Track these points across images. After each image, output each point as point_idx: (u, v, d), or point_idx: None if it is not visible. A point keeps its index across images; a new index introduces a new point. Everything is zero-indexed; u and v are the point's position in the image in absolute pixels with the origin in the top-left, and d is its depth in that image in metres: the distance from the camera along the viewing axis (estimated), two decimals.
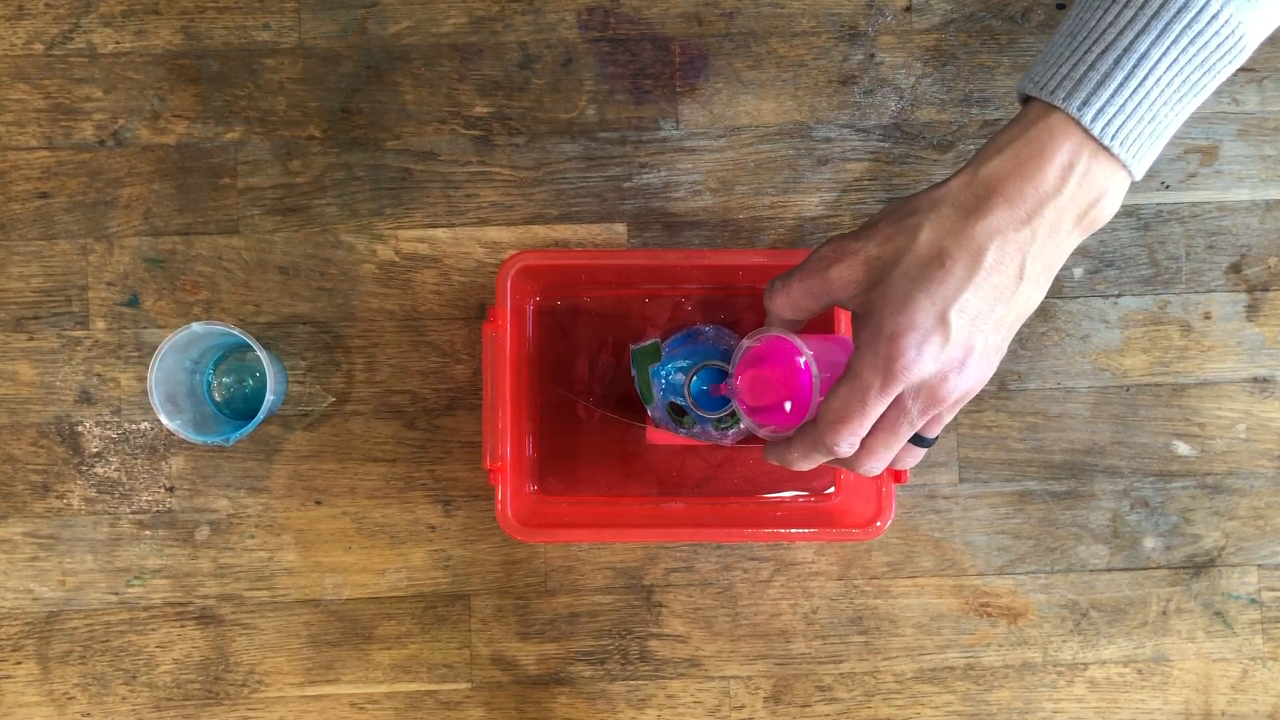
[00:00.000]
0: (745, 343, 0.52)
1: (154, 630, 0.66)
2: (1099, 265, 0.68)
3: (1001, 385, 0.68)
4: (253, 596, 0.67)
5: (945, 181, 0.45)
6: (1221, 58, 0.42)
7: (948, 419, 0.48)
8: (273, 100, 0.67)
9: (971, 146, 0.68)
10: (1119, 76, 0.42)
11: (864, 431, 0.46)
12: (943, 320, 0.44)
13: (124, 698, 0.66)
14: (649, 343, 0.63)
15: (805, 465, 0.49)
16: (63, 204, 0.67)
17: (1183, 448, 0.68)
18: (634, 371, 0.64)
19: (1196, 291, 0.68)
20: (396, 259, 0.67)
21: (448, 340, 0.67)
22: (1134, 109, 0.42)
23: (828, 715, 0.67)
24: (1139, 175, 0.44)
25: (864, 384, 0.45)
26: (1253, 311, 0.68)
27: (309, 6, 0.68)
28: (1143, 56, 0.42)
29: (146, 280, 0.67)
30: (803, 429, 0.49)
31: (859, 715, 0.67)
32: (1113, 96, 0.42)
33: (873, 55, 0.68)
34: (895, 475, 0.60)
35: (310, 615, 0.67)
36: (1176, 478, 0.68)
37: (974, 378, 0.45)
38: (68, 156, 0.67)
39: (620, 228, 0.68)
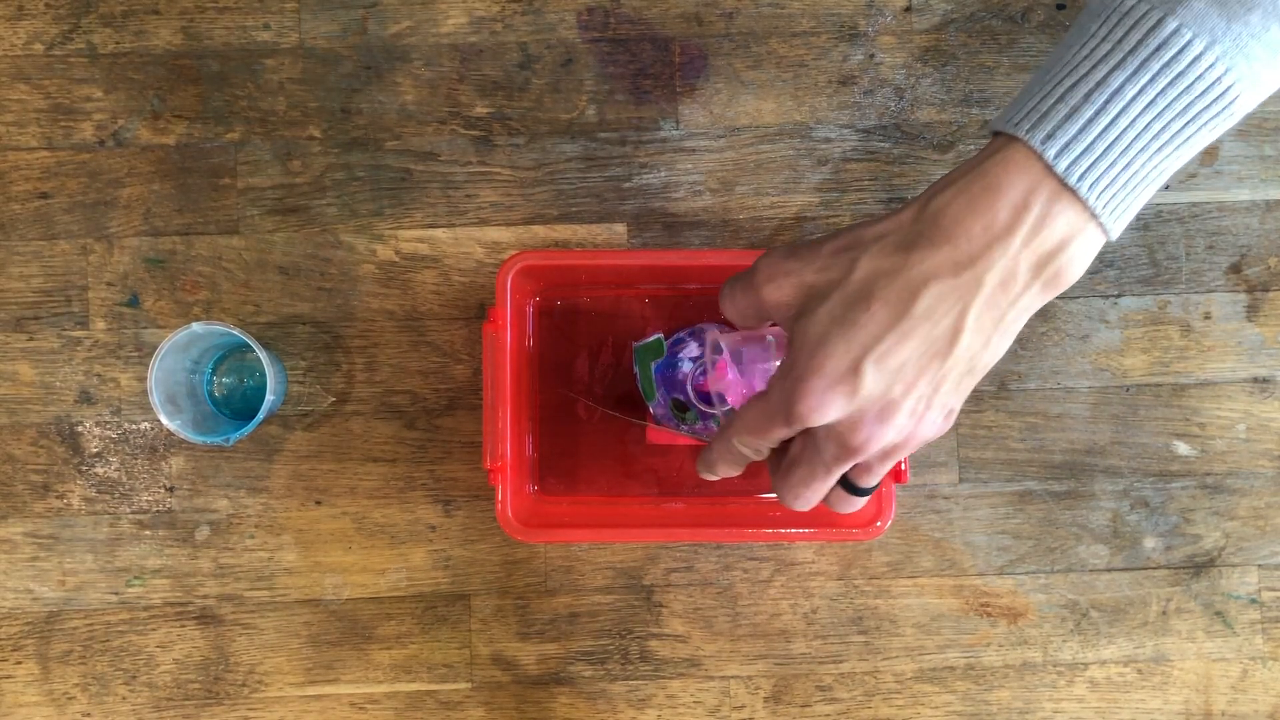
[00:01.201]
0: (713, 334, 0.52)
1: (154, 630, 0.66)
2: (1099, 265, 0.68)
3: (1001, 385, 0.68)
4: (253, 596, 0.67)
5: (891, 214, 0.41)
6: (1207, 108, 0.37)
7: (880, 470, 0.44)
8: (273, 100, 0.67)
9: (972, 147, 0.68)
10: (1088, 111, 0.37)
11: (763, 446, 0.44)
12: (854, 370, 0.40)
13: (124, 698, 0.66)
14: (652, 339, 0.63)
15: (714, 473, 0.48)
16: (63, 204, 0.67)
17: (1183, 448, 0.68)
18: (636, 368, 0.64)
19: (1196, 291, 0.68)
20: (396, 259, 0.67)
21: (448, 340, 0.67)
22: (1104, 149, 0.37)
23: (828, 715, 0.67)
24: (1114, 231, 0.39)
25: (769, 411, 0.42)
26: (1253, 311, 0.68)
27: (309, 6, 0.68)
28: (1116, 92, 0.37)
29: (146, 280, 0.67)
30: (716, 436, 0.47)
31: (859, 715, 0.67)
32: (1080, 133, 0.37)
33: (873, 55, 0.68)
34: (895, 475, 0.60)
35: (310, 615, 0.67)
36: (1176, 478, 0.68)
37: (901, 432, 0.41)
38: (68, 156, 0.67)
39: (620, 228, 0.68)
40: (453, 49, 0.68)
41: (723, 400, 0.55)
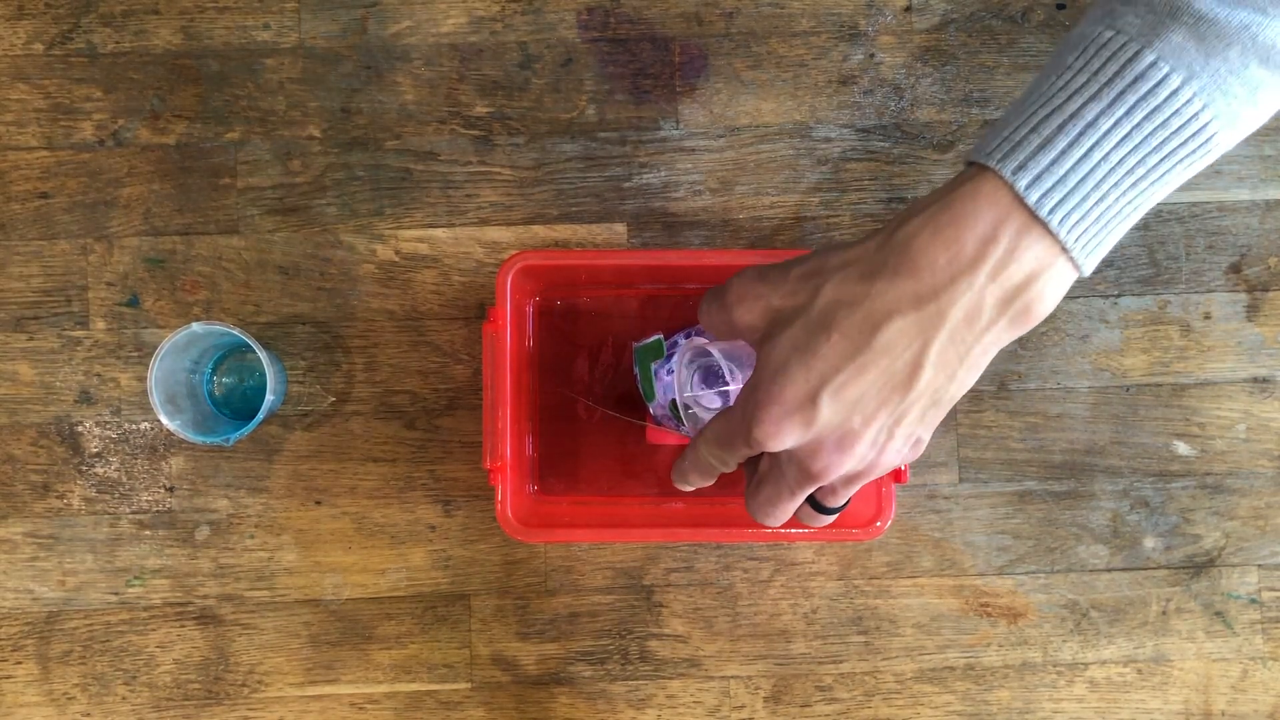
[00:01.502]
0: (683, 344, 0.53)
1: (154, 630, 0.66)
2: (1099, 265, 0.68)
3: (1001, 385, 0.68)
4: (253, 596, 0.67)
5: (864, 239, 0.40)
6: (1183, 144, 0.36)
7: (845, 493, 0.44)
8: (273, 100, 0.67)
9: (972, 146, 0.68)
10: (1061, 143, 0.36)
11: (730, 460, 0.44)
12: (811, 400, 0.39)
13: (124, 698, 0.66)
14: (652, 339, 0.63)
15: (686, 482, 0.48)
16: (63, 204, 0.67)
17: (1183, 448, 0.68)
18: (636, 369, 0.64)
19: (1196, 291, 0.68)
20: (396, 259, 0.67)
21: (448, 340, 0.67)
22: (1077, 182, 0.36)
23: (828, 715, 0.67)
24: (1086, 267, 0.37)
25: (731, 430, 0.42)
26: (1253, 311, 0.68)
27: (309, 6, 0.68)
28: (1090, 125, 0.36)
29: (146, 280, 0.67)
30: (689, 446, 0.47)
31: (859, 715, 0.67)
32: (1053, 164, 0.36)
33: (873, 55, 0.68)
34: (895, 475, 0.60)
35: (310, 615, 0.67)
36: (1176, 478, 0.68)
37: (862, 461, 0.41)
38: (68, 156, 0.67)
39: (620, 228, 0.68)
40: (453, 49, 0.68)
41: (690, 409, 0.55)
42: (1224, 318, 0.68)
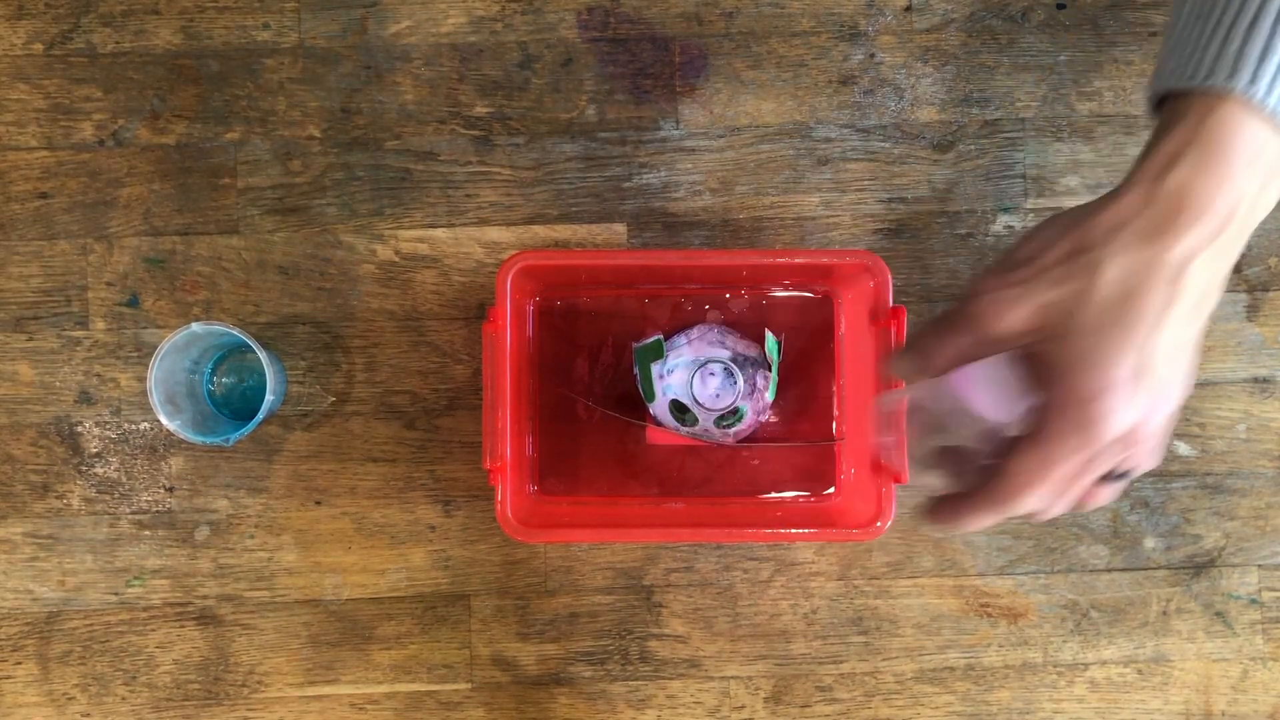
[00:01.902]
0: (887, 401, 0.48)
1: (154, 630, 0.66)
2: None
3: None
4: (253, 597, 0.66)
5: (1113, 200, 0.39)
6: None
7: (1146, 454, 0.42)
8: (273, 100, 0.67)
9: (972, 146, 0.68)
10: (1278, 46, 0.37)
11: (1050, 494, 0.41)
12: (1141, 369, 0.38)
13: (124, 698, 0.66)
14: (652, 340, 0.63)
15: (977, 526, 0.43)
16: (63, 204, 0.67)
17: (1183, 448, 0.68)
18: (636, 369, 0.64)
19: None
20: (396, 259, 0.67)
21: (448, 340, 0.67)
22: None
23: (828, 715, 0.67)
24: None
25: (1055, 451, 0.39)
26: (1253, 311, 0.68)
27: (309, 6, 0.68)
28: None
29: (146, 280, 0.67)
30: (978, 490, 0.42)
31: (859, 715, 0.67)
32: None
33: (873, 55, 0.68)
34: (895, 475, 0.60)
35: (310, 615, 0.67)
36: (1176, 478, 0.68)
37: (1173, 404, 0.40)
38: (68, 156, 0.67)
39: (620, 228, 0.68)
40: (453, 49, 0.68)
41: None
42: (1224, 318, 0.68)
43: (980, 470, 0.43)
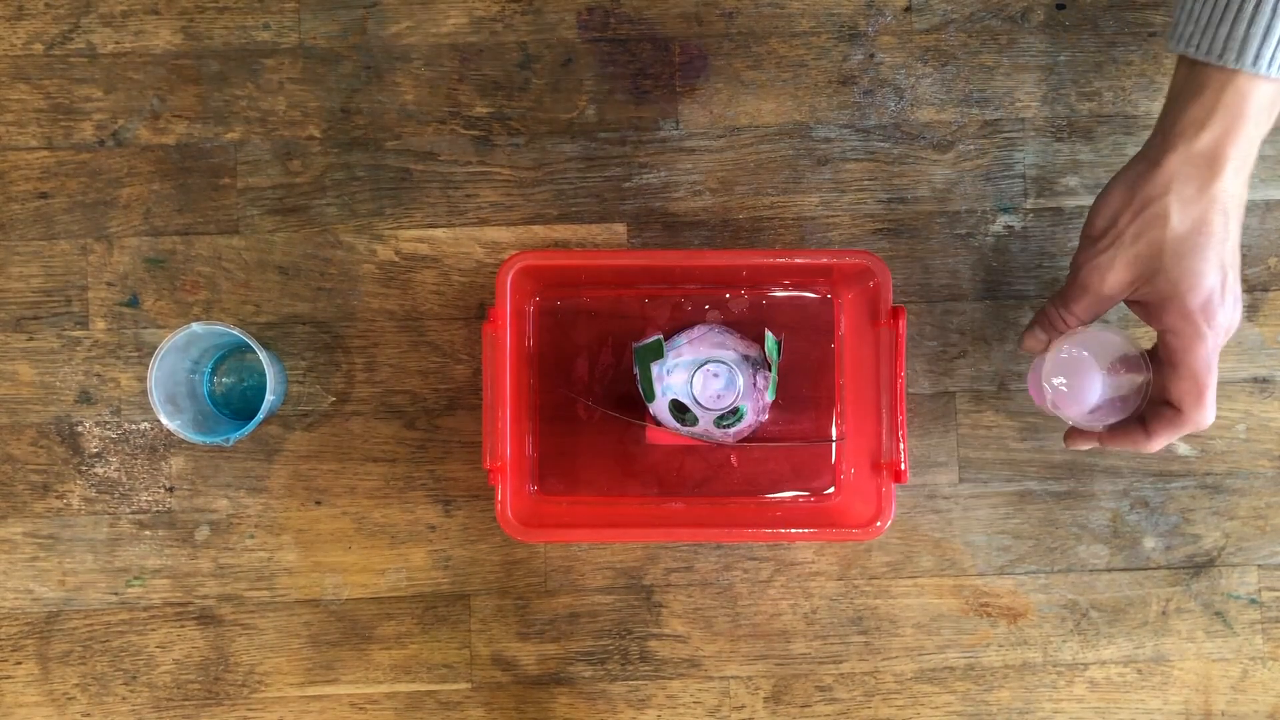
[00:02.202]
0: (1051, 356, 0.60)
1: (154, 630, 0.66)
2: None
3: (1001, 385, 0.68)
4: (253, 596, 0.67)
5: (1158, 163, 0.52)
6: None
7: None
8: (273, 100, 0.67)
9: (972, 146, 0.68)
10: (1279, 25, 0.48)
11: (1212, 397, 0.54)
12: (1224, 270, 0.52)
13: (124, 698, 0.66)
14: (652, 340, 0.63)
15: (1161, 445, 0.57)
16: (63, 204, 0.67)
17: (1183, 448, 0.68)
18: (636, 369, 0.64)
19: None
20: (396, 259, 0.67)
21: (448, 340, 0.67)
22: None
23: (828, 715, 0.67)
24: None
25: (1206, 357, 0.53)
26: (1253, 311, 0.68)
27: (309, 6, 0.68)
28: None
29: (146, 280, 0.67)
30: (1160, 413, 0.56)
31: (859, 715, 0.67)
32: None
33: (873, 55, 0.68)
34: (895, 475, 0.60)
35: (310, 615, 0.67)
36: (1176, 478, 0.68)
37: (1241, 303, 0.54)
38: (68, 156, 0.67)
39: (620, 228, 0.68)
40: (453, 49, 0.68)
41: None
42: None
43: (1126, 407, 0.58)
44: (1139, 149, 0.55)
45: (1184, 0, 0.52)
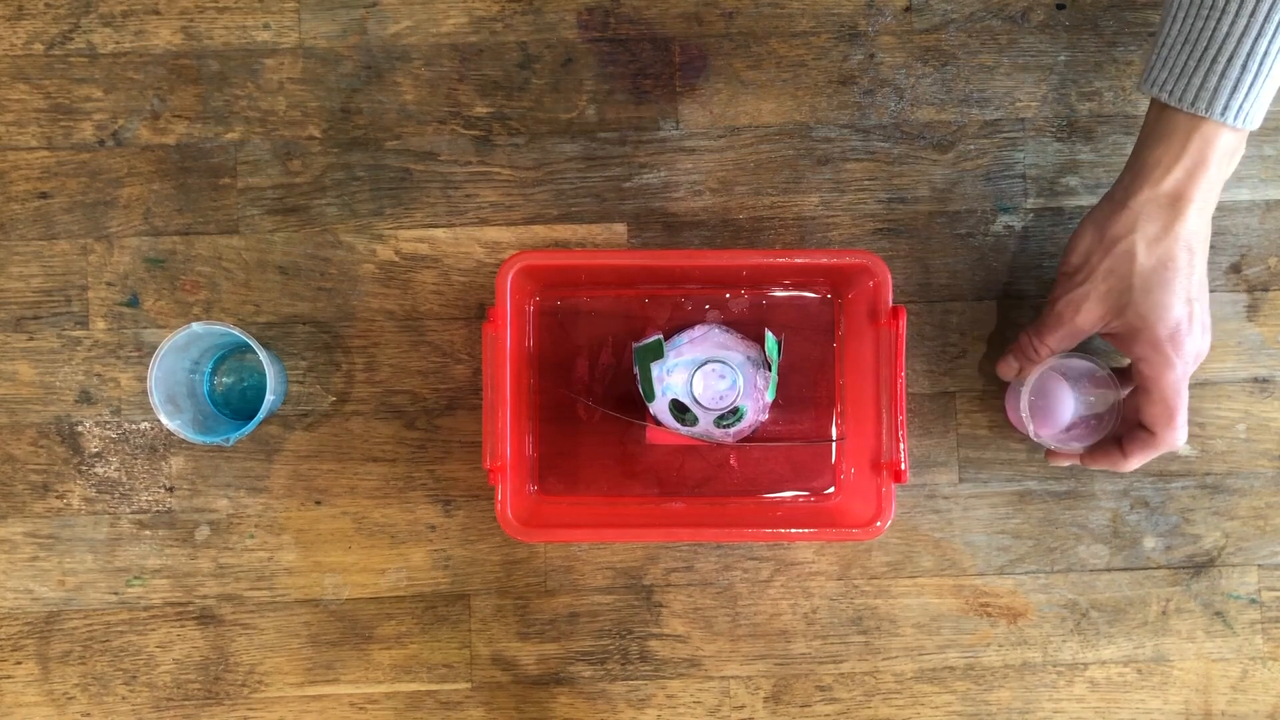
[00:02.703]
0: (1027, 383, 0.62)
1: (154, 630, 0.66)
2: None
3: (1001, 385, 0.68)
4: (253, 596, 0.67)
5: (1124, 202, 0.55)
6: None
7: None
8: (273, 100, 0.67)
9: (972, 146, 0.68)
10: (1248, 80, 0.51)
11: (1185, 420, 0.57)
12: (1190, 302, 0.55)
13: (124, 698, 0.66)
14: (652, 340, 0.63)
15: (1137, 465, 0.59)
16: (63, 204, 0.67)
17: (1183, 448, 0.68)
18: (636, 369, 0.64)
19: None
20: (396, 259, 0.67)
21: (448, 340, 0.67)
22: (1259, 96, 0.52)
23: (828, 715, 0.67)
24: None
25: (1175, 383, 0.56)
26: (1253, 311, 0.68)
27: (309, 6, 0.68)
28: (1265, 55, 0.51)
29: (146, 280, 0.67)
30: (1135, 436, 0.58)
31: (859, 715, 0.67)
32: (1247, 95, 0.52)
33: (873, 55, 0.68)
34: (895, 475, 0.60)
35: (310, 615, 0.67)
36: (1176, 478, 0.68)
37: (1209, 336, 0.57)
38: (68, 156, 0.67)
39: (620, 228, 0.68)
40: (453, 49, 0.68)
41: None
42: (1224, 318, 0.68)
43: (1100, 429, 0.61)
44: (1111, 185, 0.58)
45: (1160, 45, 0.55)
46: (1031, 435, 0.62)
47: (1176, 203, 0.54)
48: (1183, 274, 0.55)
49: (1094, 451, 0.61)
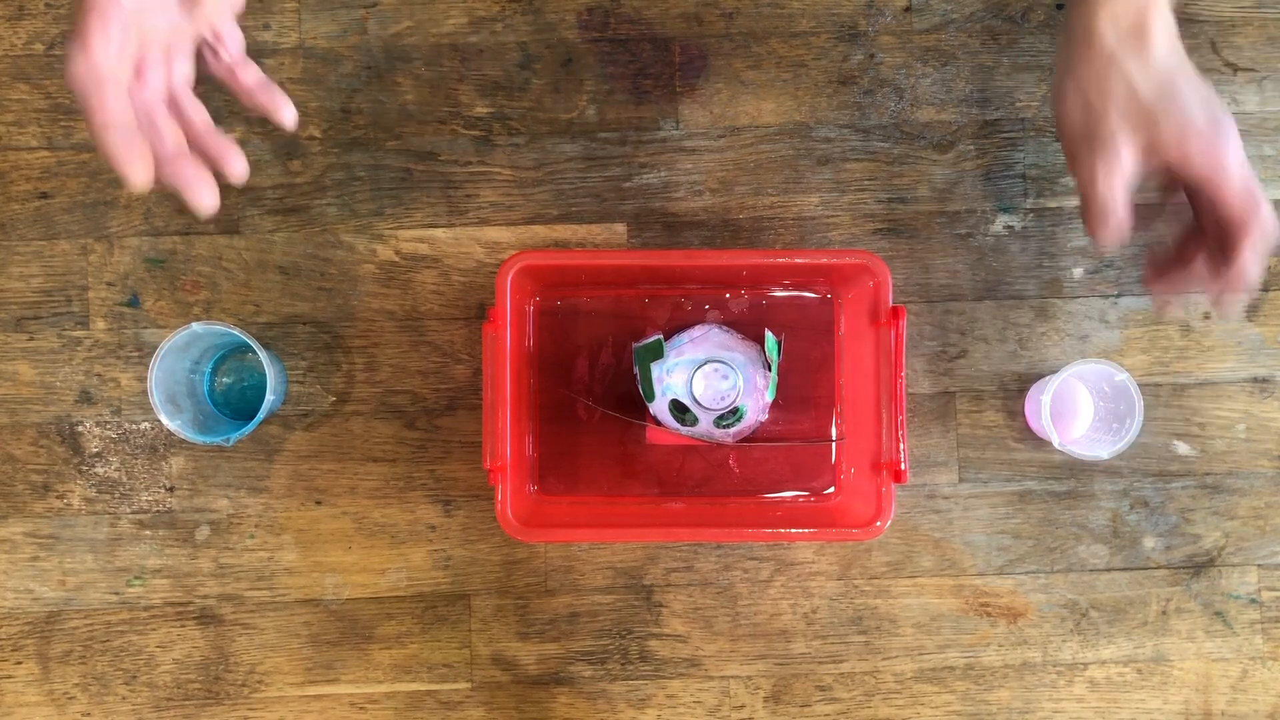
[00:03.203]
0: (1047, 390, 0.62)
1: (154, 630, 0.66)
2: (1099, 265, 0.68)
3: (1001, 385, 0.68)
4: (253, 596, 0.67)
5: (1087, 39, 0.53)
6: None
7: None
8: None
9: (972, 146, 0.68)
10: None
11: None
12: (1200, 87, 0.54)
13: (124, 698, 0.66)
14: (652, 340, 0.63)
15: (1249, 267, 0.55)
16: (63, 204, 0.67)
17: (1183, 448, 0.68)
18: (636, 369, 0.64)
19: (1196, 291, 0.68)
20: (396, 259, 0.67)
21: (448, 340, 0.67)
22: None
23: (828, 715, 0.67)
24: None
25: (1241, 155, 0.54)
26: (1253, 311, 0.68)
27: (309, 6, 0.68)
28: None
29: (146, 280, 0.67)
30: (1240, 241, 0.55)
31: (859, 715, 0.67)
32: None
33: (873, 55, 0.68)
34: (895, 475, 0.60)
35: (310, 615, 0.67)
36: (1176, 478, 0.68)
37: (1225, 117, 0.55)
38: (68, 156, 0.67)
39: (620, 228, 0.68)
40: (453, 49, 0.68)
41: None
42: (1224, 318, 0.68)
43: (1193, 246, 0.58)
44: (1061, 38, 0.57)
45: None
46: (1056, 444, 0.62)
47: (1140, 14, 0.53)
48: (1180, 71, 0.54)
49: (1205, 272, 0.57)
